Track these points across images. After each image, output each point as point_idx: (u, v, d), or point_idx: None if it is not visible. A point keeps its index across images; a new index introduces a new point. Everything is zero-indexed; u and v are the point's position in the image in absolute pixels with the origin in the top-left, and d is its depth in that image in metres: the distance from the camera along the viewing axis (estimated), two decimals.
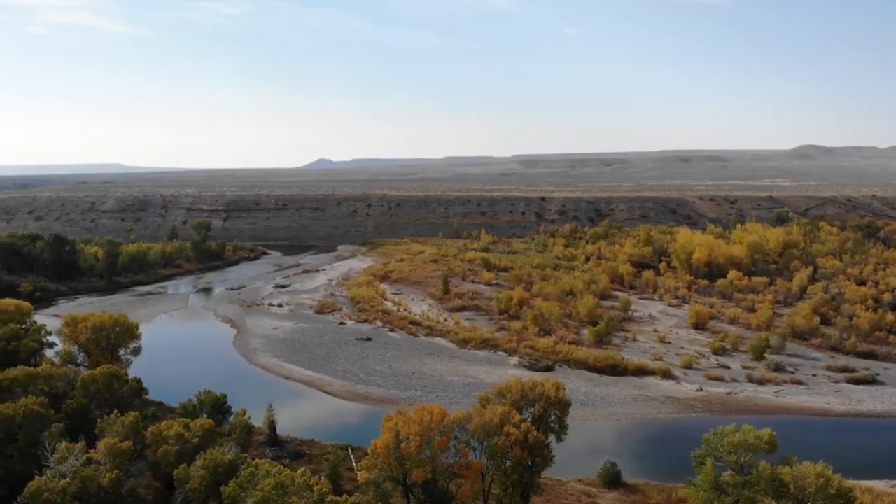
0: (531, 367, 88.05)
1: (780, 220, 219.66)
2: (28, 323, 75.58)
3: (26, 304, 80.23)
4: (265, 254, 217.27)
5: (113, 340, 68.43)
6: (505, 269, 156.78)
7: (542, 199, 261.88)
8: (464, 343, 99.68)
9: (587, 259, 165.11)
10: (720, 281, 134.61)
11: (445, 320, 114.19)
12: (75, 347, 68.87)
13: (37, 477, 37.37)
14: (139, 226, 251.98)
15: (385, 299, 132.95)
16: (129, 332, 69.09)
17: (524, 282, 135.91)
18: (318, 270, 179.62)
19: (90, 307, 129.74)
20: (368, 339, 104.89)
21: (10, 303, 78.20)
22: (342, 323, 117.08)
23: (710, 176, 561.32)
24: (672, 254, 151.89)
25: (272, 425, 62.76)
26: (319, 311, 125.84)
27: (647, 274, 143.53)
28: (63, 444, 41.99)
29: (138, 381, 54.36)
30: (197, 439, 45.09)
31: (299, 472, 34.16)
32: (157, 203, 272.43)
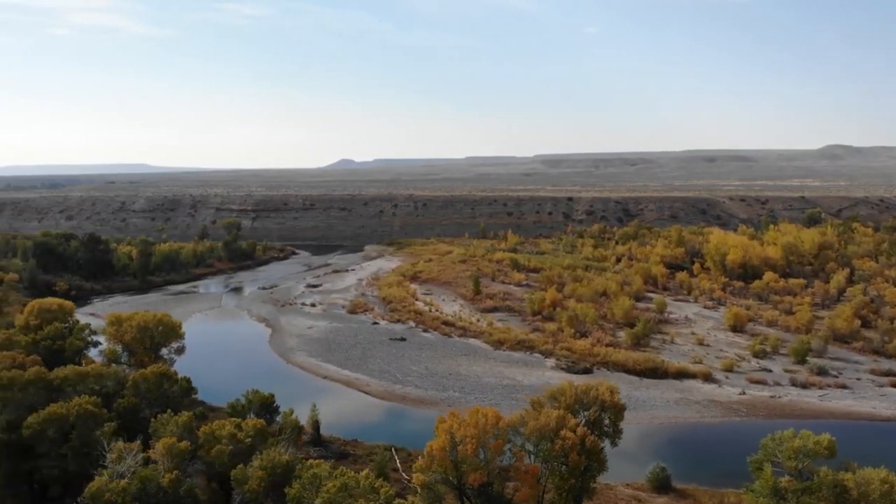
0: (569, 370, 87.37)
1: (813, 221, 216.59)
2: (70, 322, 76.20)
3: (69, 303, 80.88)
4: (294, 253, 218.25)
5: (156, 340, 68.77)
6: (534, 270, 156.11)
7: (570, 199, 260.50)
8: (498, 344, 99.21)
9: (618, 260, 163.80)
10: (755, 283, 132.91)
11: (478, 321, 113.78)
12: (119, 346, 69.24)
13: (97, 477, 37.46)
14: (169, 225, 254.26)
15: (416, 299, 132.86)
16: (172, 332, 69.44)
17: (555, 283, 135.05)
18: (347, 270, 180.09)
19: (125, 306, 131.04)
20: (403, 340, 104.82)
21: (52, 301, 78.91)
22: (375, 323, 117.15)
23: (736, 176, 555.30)
24: (706, 255, 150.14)
25: (316, 425, 62.77)
26: (352, 311, 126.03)
27: (681, 275, 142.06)
28: (119, 444, 42.14)
29: (188, 381, 54.54)
30: (249, 439, 45.10)
31: (363, 474, 33.95)
32: (187, 203, 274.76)
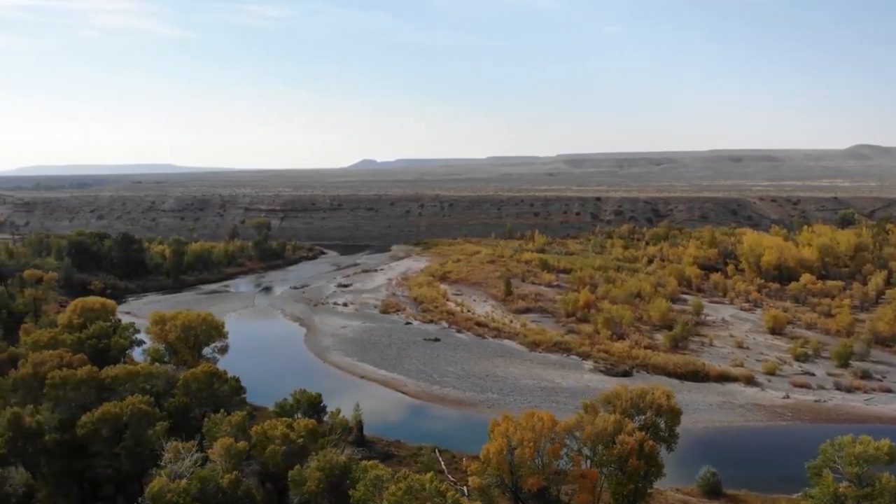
0: (607, 372, 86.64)
1: (846, 222, 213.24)
2: (112, 320, 76.79)
3: (111, 302, 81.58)
4: (322, 253, 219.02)
5: (200, 339, 69.07)
6: (564, 271, 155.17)
7: (598, 199, 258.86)
8: (534, 346, 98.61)
9: (649, 261, 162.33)
10: (792, 284, 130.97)
11: (511, 322, 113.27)
12: (162, 345, 69.60)
13: (156, 477, 37.51)
14: (198, 225, 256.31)
15: (448, 300, 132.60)
16: (216, 331, 69.71)
17: (587, 284, 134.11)
18: (376, 270, 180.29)
19: (159, 305, 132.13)
20: (437, 340, 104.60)
21: (95, 300, 79.58)
22: (408, 323, 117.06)
23: (764, 176, 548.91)
24: (740, 256, 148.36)
25: (360, 425, 62.68)
26: (384, 311, 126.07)
27: (715, 276, 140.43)
28: (175, 444, 42.24)
29: (237, 380, 54.64)
30: (301, 439, 45.04)
31: (427, 476, 33.65)
32: (216, 203, 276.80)
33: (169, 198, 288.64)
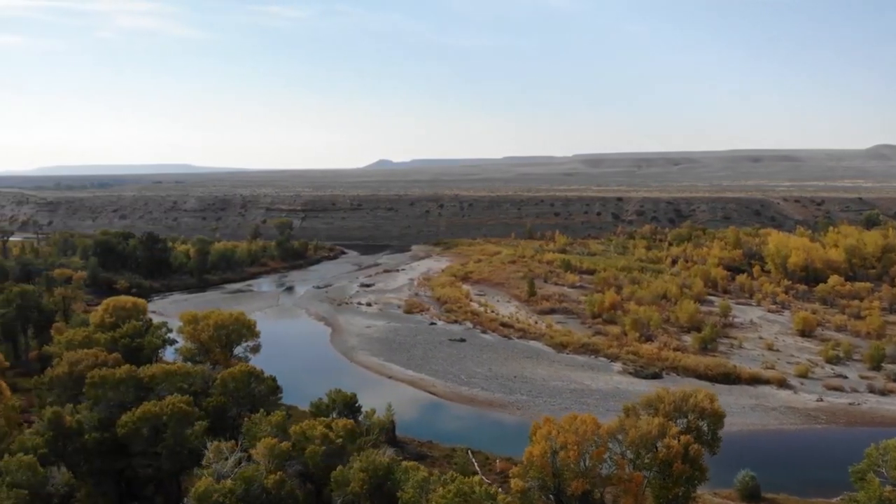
0: (637, 374, 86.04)
1: (871, 223, 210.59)
2: (144, 320, 77.19)
3: (142, 301, 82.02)
4: (343, 253, 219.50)
5: (232, 338, 69.26)
6: (587, 272, 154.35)
7: (619, 199, 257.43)
8: (561, 347, 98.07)
9: (673, 262, 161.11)
10: (820, 286, 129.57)
11: (536, 323, 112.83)
12: (194, 344, 69.79)
13: (202, 478, 37.53)
14: (220, 225, 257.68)
15: (471, 300, 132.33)
16: (248, 330, 69.88)
17: (611, 285, 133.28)
18: (397, 270, 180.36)
19: (184, 304, 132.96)
20: (462, 341, 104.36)
21: (127, 300, 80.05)
22: (433, 323, 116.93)
23: (784, 176, 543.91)
24: (766, 257, 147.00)
25: (392, 425, 62.53)
26: (408, 311, 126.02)
27: (741, 278, 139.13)
28: (217, 444, 42.28)
29: (273, 380, 54.70)
30: (340, 440, 44.97)
31: (476, 479, 33.43)
32: (237, 203, 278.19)
33: (190, 198, 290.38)
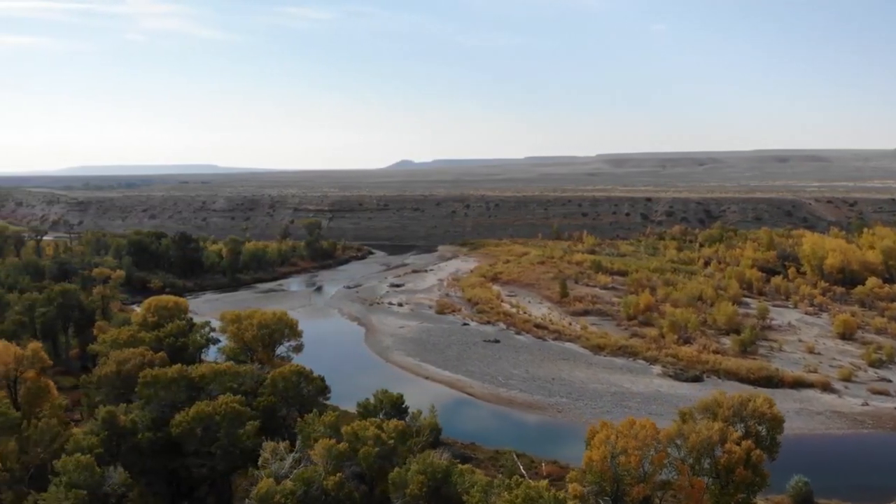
0: (677, 377, 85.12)
1: None
2: (186, 319, 77.63)
3: (183, 300, 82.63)
4: (371, 253, 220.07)
5: (275, 338, 69.49)
6: (618, 273, 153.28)
7: (648, 199, 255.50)
8: (598, 349, 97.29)
9: (705, 263, 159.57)
10: (858, 288, 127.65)
11: (570, 324, 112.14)
12: (238, 344, 70.06)
13: (263, 479, 37.53)
14: (248, 224, 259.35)
15: (502, 301, 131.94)
16: (291, 330, 70.10)
17: (644, 286, 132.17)
18: (426, 270, 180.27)
19: (217, 304, 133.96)
20: (496, 342, 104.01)
21: (168, 299, 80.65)
22: (465, 324, 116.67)
23: (813, 177, 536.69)
24: (802, 259, 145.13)
25: (439, 427, 62.30)
26: (440, 312, 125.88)
27: (776, 279, 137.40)
28: (271, 444, 42.31)
29: (322, 380, 54.76)
30: (392, 441, 44.86)
31: (542, 484, 33.11)
32: (265, 203, 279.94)
33: (219, 198, 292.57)
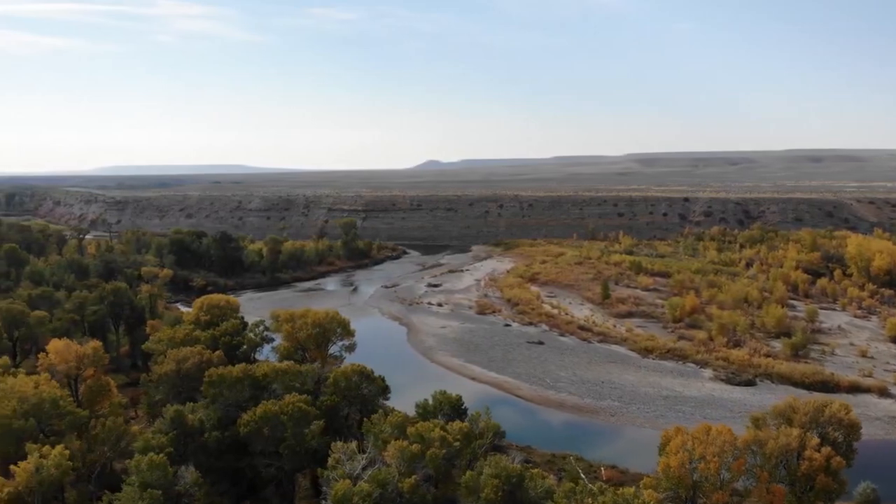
0: (729, 381, 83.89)
1: None
2: (238, 317, 78.01)
3: (234, 300, 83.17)
4: (405, 253, 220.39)
5: (328, 337, 69.58)
6: (659, 274, 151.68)
7: (686, 199, 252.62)
8: (646, 352, 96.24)
9: (747, 265, 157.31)
10: None
11: (615, 326, 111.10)
12: (292, 343, 70.15)
13: (337, 480, 37.45)
14: (284, 224, 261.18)
15: (542, 302, 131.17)
16: (344, 329, 70.17)
17: (687, 288, 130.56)
18: (461, 270, 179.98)
19: (259, 302, 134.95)
20: (540, 343, 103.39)
21: (220, 298, 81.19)
22: (507, 325, 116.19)
23: (849, 177, 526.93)
24: (848, 260, 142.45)
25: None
26: (480, 312, 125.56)
27: (822, 282, 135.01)
28: (339, 444, 42.27)
29: (383, 380, 54.69)
30: (458, 443, 44.59)
31: (630, 491, 32.64)
32: (300, 203, 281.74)
33: (255, 198, 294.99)
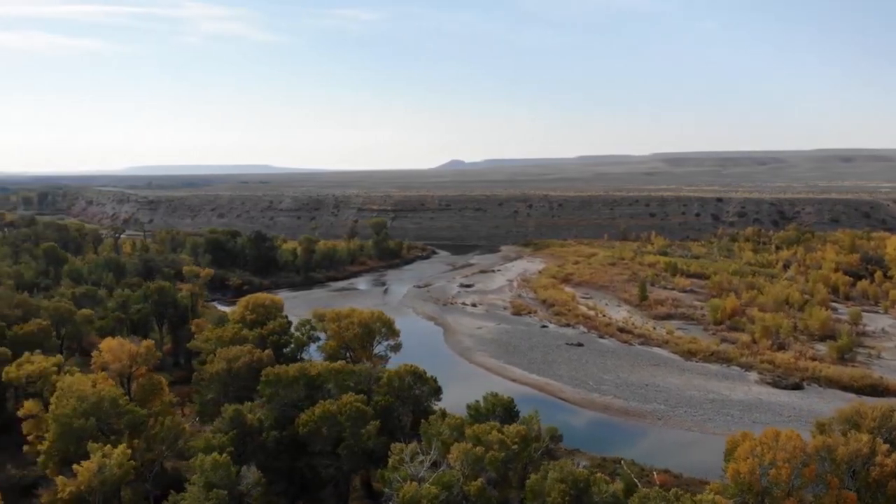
0: (776, 385, 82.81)
1: None
2: (284, 316, 78.36)
3: (278, 298, 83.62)
4: (435, 253, 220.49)
5: (374, 336, 69.69)
6: (695, 275, 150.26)
7: (719, 199, 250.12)
8: (689, 355, 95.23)
9: (785, 266, 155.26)
10: None
11: (654, 328, 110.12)
12: (338, 343, 70.32)
13: (407, 482, 37.34)
14: (315, 224, 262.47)
15: (578, 303, 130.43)
16: (389, 329, 70.27)
17: (726, 289, 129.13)
18: (493, 270, 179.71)
19: (295, 301, 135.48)
20: (580, 345, 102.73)
21: (264, 297, 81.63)
22: (544, 326, 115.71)
23: (881, 177, 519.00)
24: (889, 262, 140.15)
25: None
26: (516, 313, 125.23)
27: (863, 283, 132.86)
28: (399, 445, 42.21)
29: (435, 381, 54.64)
30: (516, 446, 44.30)
31: (708, 497, 32.16)
32: (330, 203, 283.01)
33: (286, 198, 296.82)
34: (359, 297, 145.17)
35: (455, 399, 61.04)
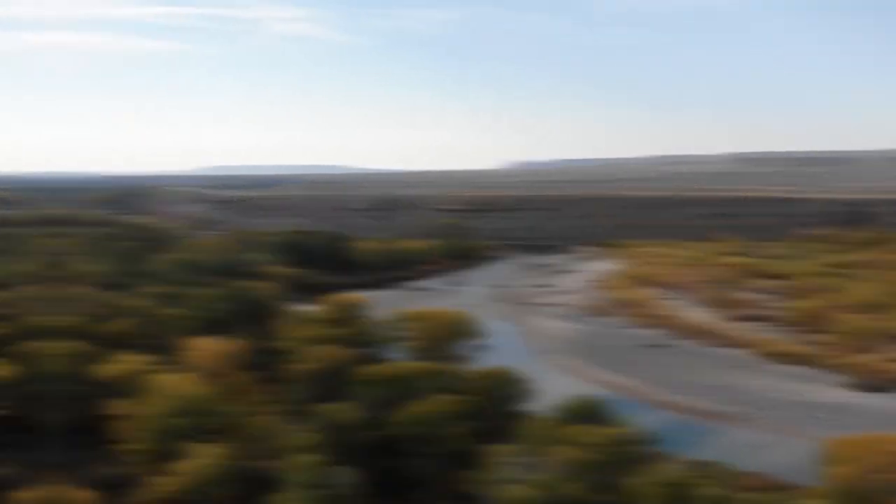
0: (863, 388, 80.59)
1: None
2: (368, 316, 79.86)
3: (362, 298, 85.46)
4: (508, 253, 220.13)
5: (459, 337, 70.76)
6: (774, 276, 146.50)
7: (794, 199, 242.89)
8: (770, 356, 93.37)
9: (865, 268, 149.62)
10: None
11: (735, 330, 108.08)
12: (423, 342, 71.64)
13: (508, 484, 37.96)
14: (388, 224, 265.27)
15: (656, 304, 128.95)
16: (473, 330, 71.28)
17: (806, 290, 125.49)
18: (568, 271, 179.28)
19: (372, 300, 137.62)
20: (660, 346, 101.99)
21: (350, 297, 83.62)
22: (622, 327, 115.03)
23: None
24: None
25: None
26: (593, 313, 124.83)
27: None
28: (495, 447, 42.87)
29: (525, 382, 55.23)
30: (613, 448, 44.53)
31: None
32: (403, 203, 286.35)
33: (359, 197, 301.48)
34: (433, 296, 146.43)
35: (541, 400, 61.47)
